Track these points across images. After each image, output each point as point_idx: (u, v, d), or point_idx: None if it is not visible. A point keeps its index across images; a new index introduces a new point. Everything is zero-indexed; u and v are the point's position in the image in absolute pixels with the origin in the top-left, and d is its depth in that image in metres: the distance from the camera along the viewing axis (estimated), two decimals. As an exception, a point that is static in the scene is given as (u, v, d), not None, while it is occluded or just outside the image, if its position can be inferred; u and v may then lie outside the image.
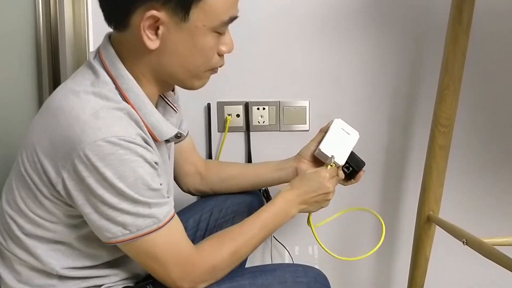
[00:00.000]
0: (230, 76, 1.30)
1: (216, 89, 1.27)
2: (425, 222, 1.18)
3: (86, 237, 0.81)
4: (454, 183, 1.37)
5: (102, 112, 0.72)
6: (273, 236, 1.39)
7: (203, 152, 1.38)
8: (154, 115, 0.80)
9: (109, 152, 0.70)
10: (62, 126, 0.72)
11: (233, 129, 1.37)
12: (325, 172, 0.97)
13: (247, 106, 1.35)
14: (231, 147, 1.37)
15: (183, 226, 0.82)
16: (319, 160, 1.06)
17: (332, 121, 1.07)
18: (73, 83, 0.78)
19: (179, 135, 0.87)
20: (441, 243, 1.26)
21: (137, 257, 0.79)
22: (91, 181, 0.72)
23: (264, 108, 1.36)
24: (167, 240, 0.77)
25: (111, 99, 0.75)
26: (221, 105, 1.35)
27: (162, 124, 0.82)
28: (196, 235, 1.08)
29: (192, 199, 1.23)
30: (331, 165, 1.00)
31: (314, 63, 1.36)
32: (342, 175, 1.02)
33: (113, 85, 0.77)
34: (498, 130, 1.42)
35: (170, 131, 0.84)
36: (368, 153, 1.33)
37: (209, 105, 1.35)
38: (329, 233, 1.40)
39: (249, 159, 1.39)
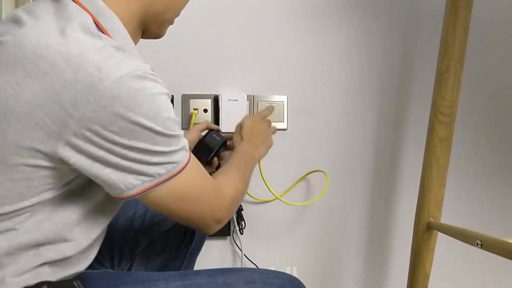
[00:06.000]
0: (198, 65, 1.23)
1: (181, 79, 1.22)
2: (425, 230, 1.07)
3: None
4: (455, 184, 1.30)
5: (106, 49, 0.62)
6: (244, 255, 1.27)
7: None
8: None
9: (140, 87, 0.61)
10: (64, 70, 0.59)
11: (199, 126, 1.26)
12: (256, 117, 1.11)
13: (216, 100, 1.23)
14: (196, 147, 1.24)
15: (112, 227, 0.76)
16: None
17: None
18: (43, 22, 0.64)
19: None
20: (441, 256, 1.18)
21: (166, 203, 0.70)
22: (120, 124, 0.61)
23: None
24: (195, 174, 0.73)
25: (103, 37, 0.64)
26: (186, 98, 1.24)
27: None
28: (128, 237, 0.98)
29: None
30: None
31: (293, 52, 1.27)
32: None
33: (92, 23, 0.65)
34: (505, 123, 1.35)
35: None
36: (355, 154, 1.31)
37: (172, 97, 1.23)
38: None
39: (217, 161, 1.28)
